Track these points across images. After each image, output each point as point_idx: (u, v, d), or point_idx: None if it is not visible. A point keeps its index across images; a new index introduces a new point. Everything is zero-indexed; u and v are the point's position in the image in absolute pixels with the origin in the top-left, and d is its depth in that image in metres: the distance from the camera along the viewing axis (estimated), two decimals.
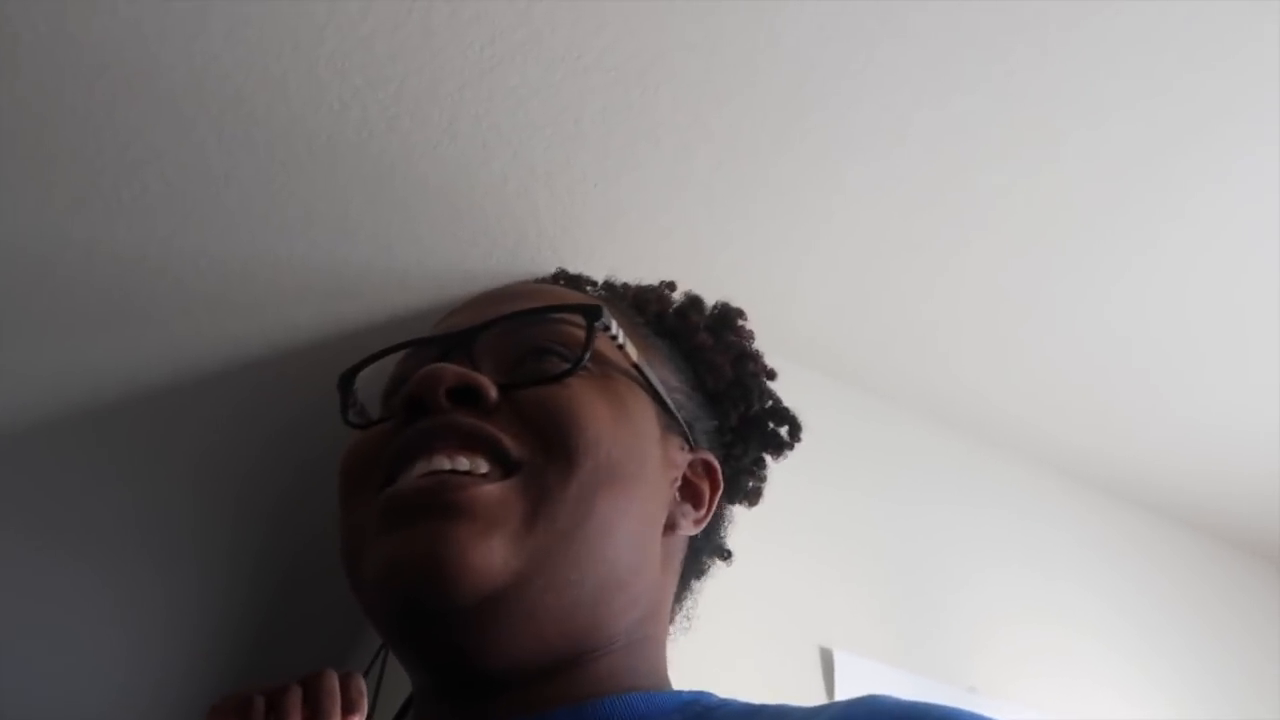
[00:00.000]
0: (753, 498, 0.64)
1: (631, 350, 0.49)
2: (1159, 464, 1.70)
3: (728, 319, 0.63)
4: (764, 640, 1.14)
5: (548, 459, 0.43)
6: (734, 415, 0.60)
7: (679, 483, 0.51)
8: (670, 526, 0.50)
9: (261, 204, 1.20)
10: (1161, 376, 1.50)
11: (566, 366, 0.46)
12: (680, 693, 0.45)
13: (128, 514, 1.60)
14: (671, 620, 0.55)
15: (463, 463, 0.42)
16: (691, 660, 0.57)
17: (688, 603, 0.58)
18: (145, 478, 1.57)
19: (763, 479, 0.64)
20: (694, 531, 0.51)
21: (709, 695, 0.45)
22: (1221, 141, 1.15)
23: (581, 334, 0.47)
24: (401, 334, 0.53)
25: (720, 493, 0.53)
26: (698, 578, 0.59)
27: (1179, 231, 1.27)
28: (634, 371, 0.50)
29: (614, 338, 0.48)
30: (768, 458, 0.63)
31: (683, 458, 0.52)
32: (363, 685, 0.64)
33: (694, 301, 0.63)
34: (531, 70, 1.05)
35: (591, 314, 0.48)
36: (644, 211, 1.21)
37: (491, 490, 0.42)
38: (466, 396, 0.44)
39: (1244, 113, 1.12)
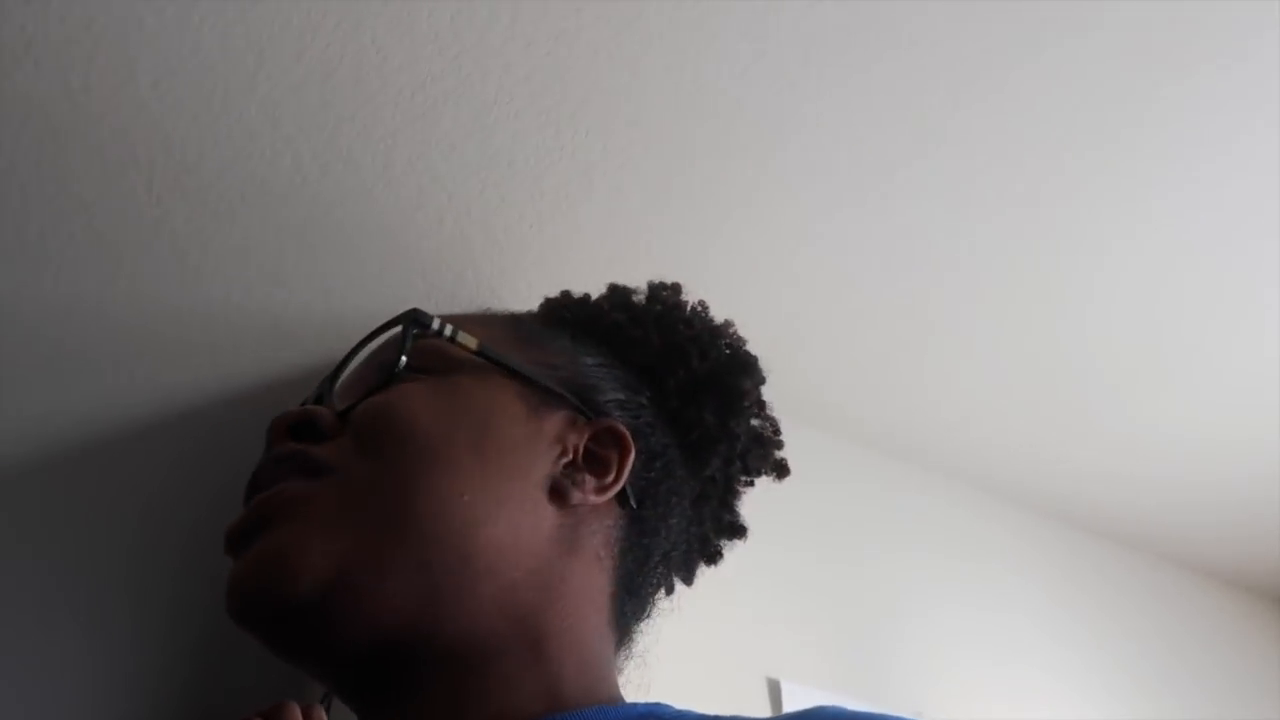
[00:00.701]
0: (751, 461, 0.61)
1: (469, 340, 0.50)
2: (1096, 487, 1.75)
3: (654, 295, 0.63)
4: (711, 672, 1.14)
5: (361, 457, 0.45)
6: (672, 381, 0.59)
7: (569, 455, 0.50)
8: (559, 497, 0.48)
9: (194, 252, 1.19)
10: (1088, 398, 1.56)
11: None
12: (635, 705, 0.45)
13: (54, 575, 1.55)
14: (623, 617, 0.51)
15: (292, 482, 0.44)
16: (638, 693, 0.55)
17: (648, 594, 0.55)
18: (74, 537, 1.52)
19: (754, 441, 0.61)
20: (597, 500, 0.49)
21: (665, 707, 0.44)
22: (1139, 172, 1.21)
23: (412, 345, 0.50)
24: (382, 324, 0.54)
25: (632, 455, 0.51)
26: (670, 562, 0.56)
27: (1099, 256, 1.32)
28: (479, 359, 0.50)
29: (438, 333, 0.50)
30: (739, 419, 0.60)
31: (575, 430, 0.51)
32: (324, 717, 0.63)
33: (610, 289, 0.64)
34: (464, 115, 1.07)
35: (405, 320, 0.50)
36: (580, 251, 1.23)
37: (295, 488, 0.43)
38: (308, 430, 0.47)
39: (1160, 148, 1.18)
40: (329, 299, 1.26)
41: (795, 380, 1.47)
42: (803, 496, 1.44)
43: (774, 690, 1.18)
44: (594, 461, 0.51)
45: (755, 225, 1.23)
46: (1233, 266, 1.35)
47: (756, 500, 0.66)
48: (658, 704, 0.44)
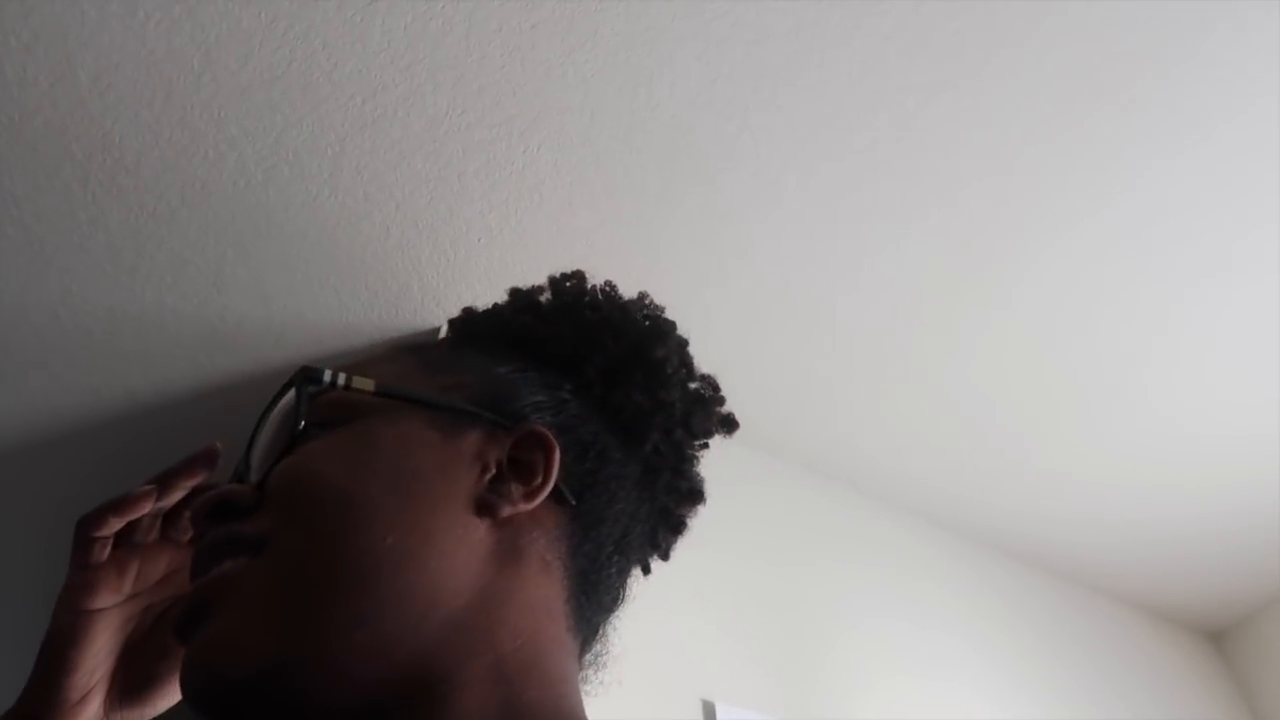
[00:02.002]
0: (695, 425, 0.60)
1: (365, 383, 0.50)
2: (1027, 521, 1.78)
3: (556, 289, 0.62)
4: (647, 693, 1.14)
5: (285, 523, 0.45)
6: (590, 368, 0.58)
7: (491, 469, 0.49)
8: (486, 513, 0.47)
9: (129, 254, 1.16)
10: (1020, 433, 1.59)
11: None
12: None
13: None
14: (583, 619, 0.50)
15: (226, 565, 0.44)
16: (607, 690, 0.53)
17: (610, 586, 0.53)
18: None
19: (693, 404, 0.60)
20: (527, 506, 0.48)
21: None
22: (1065, 210, 1.25)
23: (309, 403, 0.50)
24: (279, 388, 0.53)
25: (557, 455, 0.50)
26: (628, 547, 0.54)
27: (1030, 293, 1.36)
28: (383, 399, 0.50)
29: (333, 385, 0.50)
30: (668, 388, 0.59)
31: (495, 443, 0.50)
32: None
33: (512, 293, 0.63)
34: (414, 125, 1.06)
35: (297, 380, 0.50)
36: (528, 266, 1.23)
37: (228, 569, 0.44)
38: (227, 510, 0.47)
39: (1080, 185, 1.22)
40: (269, 306, 1.24)
41: (734, 400, 1.47)
42: (739, 517, 1.45)
43: (709, 713, 1.18)
44: (521, 469, 0.50)
45: (701, 246, 1.24)
46: (1164, 305, 1.39)
47: (692, 524, 0.65)
48: None
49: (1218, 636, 2.15)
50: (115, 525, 0.52)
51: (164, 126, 1.04)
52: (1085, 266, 1.33)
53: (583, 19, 0.99)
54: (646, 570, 0.60)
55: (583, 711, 0.47)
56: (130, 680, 0.52)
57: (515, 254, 1.21)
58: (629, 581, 0.56)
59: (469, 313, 0.63)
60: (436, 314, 1.26)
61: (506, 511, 0.48)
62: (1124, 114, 1.14)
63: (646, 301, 0.63)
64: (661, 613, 1.18)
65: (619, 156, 1.12)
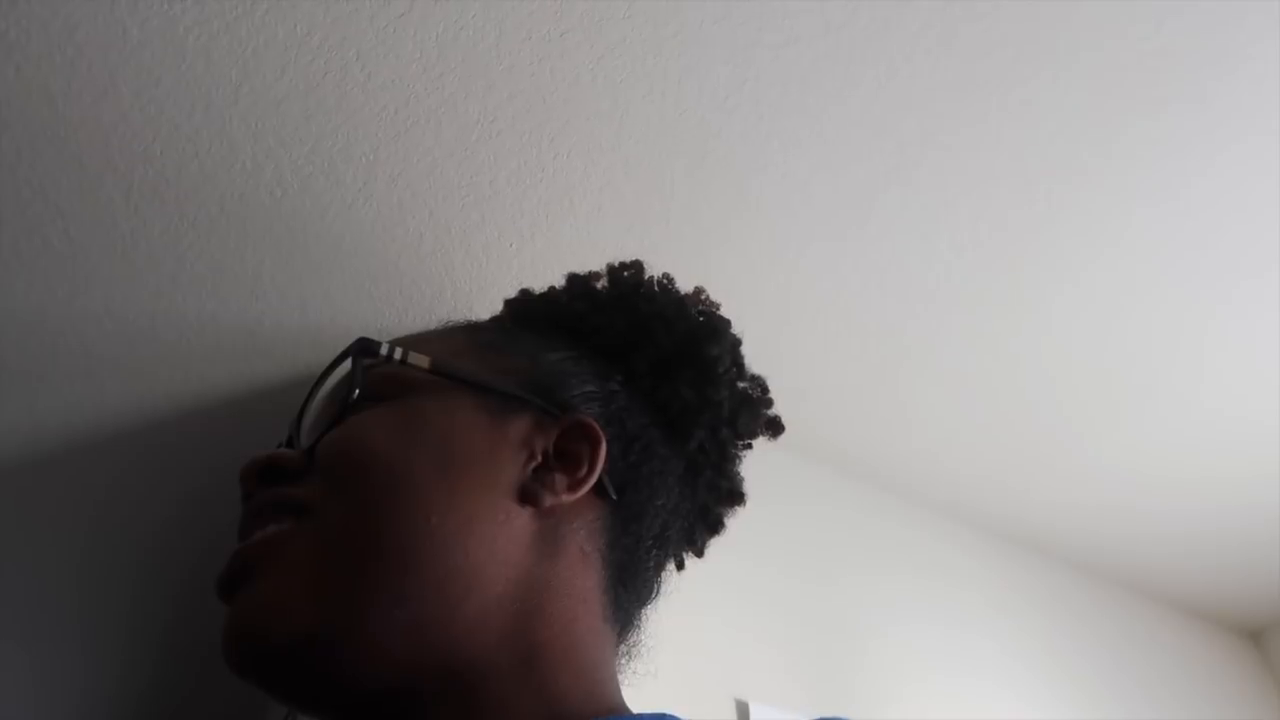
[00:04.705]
0: (741, 425, 0.59)
1: (420, 359, 0.50)
2: (1063, 516, 1.77)
3: (614, 277, 0.62)
4: (680, 692, 1.14)
5: (332, 492, 0.45)
6: (641, 360, 0.58)
7: (536, 457, 0.49)
8: (529, 502, 0.47)
9: (170, 263, 1.18)
10: (1056, 429, 1.58)
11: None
12: (642, 715, 0.43)
13: (4, 584, 1.52)
14: (620, 609, 0.50)
15: (270, 529, 0.45)
16: (643, 681, 0.53)
17: (647, 579, 0.53)
18: (27, 549, 1.49)
19: (741, 404, 0.59)
20: (570, 497, 0.48)
21: (672, 718, 0.42)
22: (1100, 210, 1.24)
23: (364, 374, 0.50)
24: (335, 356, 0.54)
25: (603, 448, 0.50)
26: (666, 542, 0.54)
27: (1068, 289, 1.35)
28: (435, 377, 0.50)
29: (389, 358, 0.50)
30: (717, 386, 0.59)
31: (542, 431, 0.50)
32: None
33: (569, 279, 0.63)
34: (446, 133, 1.08)
35: (354, 351, 0.51)
36: (558, 272, 1.23)
37: (272, 533, 0.44)
38: (277, 474, 0.47)
39: (1114, 186, 1.21)
40: (305, 312, 1.26)
41: None
42: (773, 519, 1.45)
43: (742, 712, 1.18)
44: (566, 459, 0.50)
45: (732, 251, 1.24)
46: (1198, 301, 1.38)
47: (729, 520, 0.65)
48: (663, 714, 0.42)
49: (1257, 635, 2.11)
50: None
51: (203, 138, 1.06)
52: (1121, 264, 1.32)
53: (611, 26, 1.00)
54: (680, 565, 0.60)
55: (620, 699, 0.47)
56: None
57: (547, 259, 1.22)
58: (664, 575, 0.56)
59: (526, 294, 0.63)
60: (469, 319, 1.28)
61: (549, 501, 0.48)
62: (1160, 114, 1.13)
63: (703, 296, 0.63)
64: (696, 612, 1.19)
65: (648, 161, 1.12)
